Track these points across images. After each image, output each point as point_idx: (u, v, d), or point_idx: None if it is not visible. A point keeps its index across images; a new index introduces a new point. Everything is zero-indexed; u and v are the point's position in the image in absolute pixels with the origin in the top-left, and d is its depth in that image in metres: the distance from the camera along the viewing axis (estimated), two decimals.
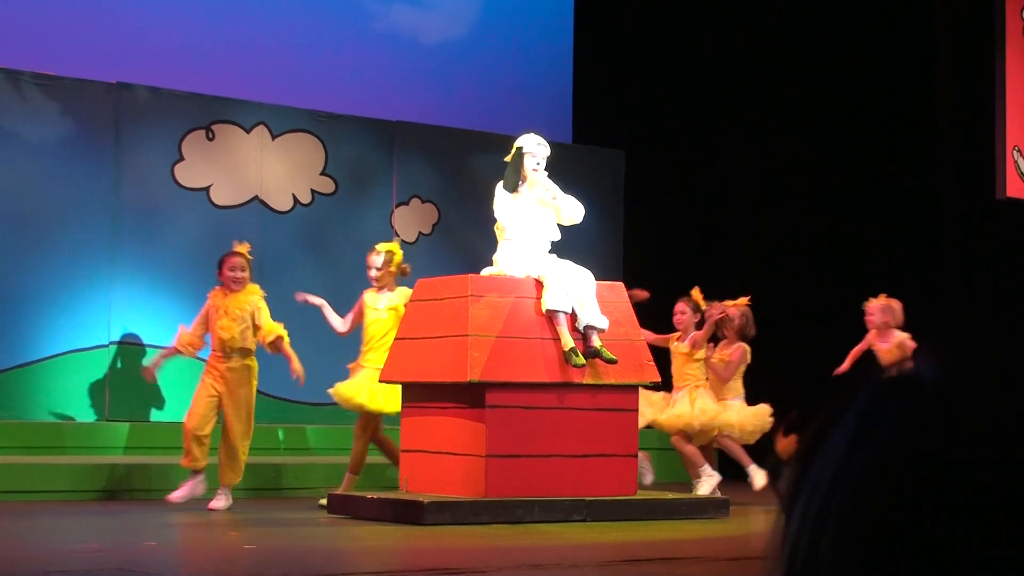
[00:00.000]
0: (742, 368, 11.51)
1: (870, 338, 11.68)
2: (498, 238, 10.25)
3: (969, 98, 14.62)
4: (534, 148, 10.23)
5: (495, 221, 10.27)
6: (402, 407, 10.16)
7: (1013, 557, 0.84)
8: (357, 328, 10.60)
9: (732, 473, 12.37)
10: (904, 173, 14.50)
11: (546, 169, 10.22)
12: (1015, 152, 14.77)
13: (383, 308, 10.49)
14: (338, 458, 12.22)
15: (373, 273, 10.56)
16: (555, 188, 10.18)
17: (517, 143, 10.31)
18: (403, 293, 10.48)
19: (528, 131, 10.46)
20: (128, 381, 12.55)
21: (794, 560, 0.92)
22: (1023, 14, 15.00)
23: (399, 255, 10.62)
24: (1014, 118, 14.79)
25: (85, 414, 12.53)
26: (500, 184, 10.22)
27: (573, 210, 10.21)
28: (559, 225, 10.22)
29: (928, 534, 0.86)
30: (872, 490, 0.88)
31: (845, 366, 11.60)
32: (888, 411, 0.90)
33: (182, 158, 13.37)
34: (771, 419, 11.23)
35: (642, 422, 10.58)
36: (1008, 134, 14.72)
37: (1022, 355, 0.91)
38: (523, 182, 10.19)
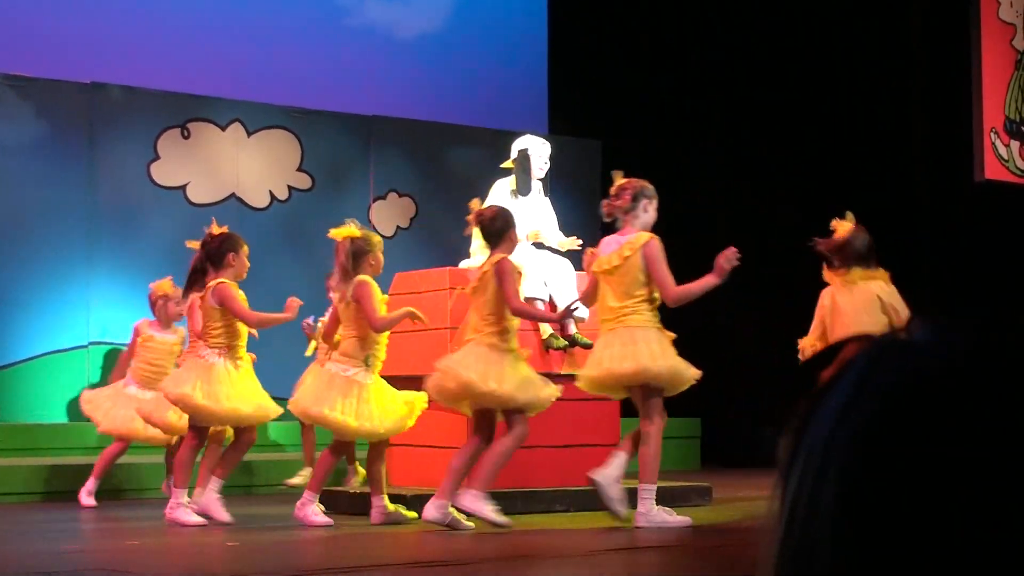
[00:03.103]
0: None
1: None
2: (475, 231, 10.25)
3: (945, 80, 14.64)
4: (539, 148, 10.30)
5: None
6: None
7: (1007, 519, 0.85)
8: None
9: (714, 461, 12.43)
10: (882, 157, 14.51)
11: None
12: (992, 134, 14.78)
13: None
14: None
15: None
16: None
17: (519, 146, 10.29)
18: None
19: (504, 123, 10.50)
20: (108, 381, 12.52)
21: (792, 527, 0.92)
22: None
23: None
24: (991, 100, 14.81)
25: (65, 415, 12.49)
26: (501, 183, 10.22)
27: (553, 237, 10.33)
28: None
29: (923, 498, 0.86)
30: (866, 456, 0.88)
31: None
32: (881, 375, 0.91)
33: (158, 157, 13.34)
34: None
35: None
36: (985, 116, 14.74)
37: (1015, 323, 0.91)
38: (533, 178, 10.26)
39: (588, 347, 9.88)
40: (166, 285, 10.72)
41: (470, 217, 8.87)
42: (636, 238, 8.70)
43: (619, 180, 8.89)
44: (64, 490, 10.83)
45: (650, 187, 8.89)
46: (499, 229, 8.63)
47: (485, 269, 8.53)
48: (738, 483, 11.15)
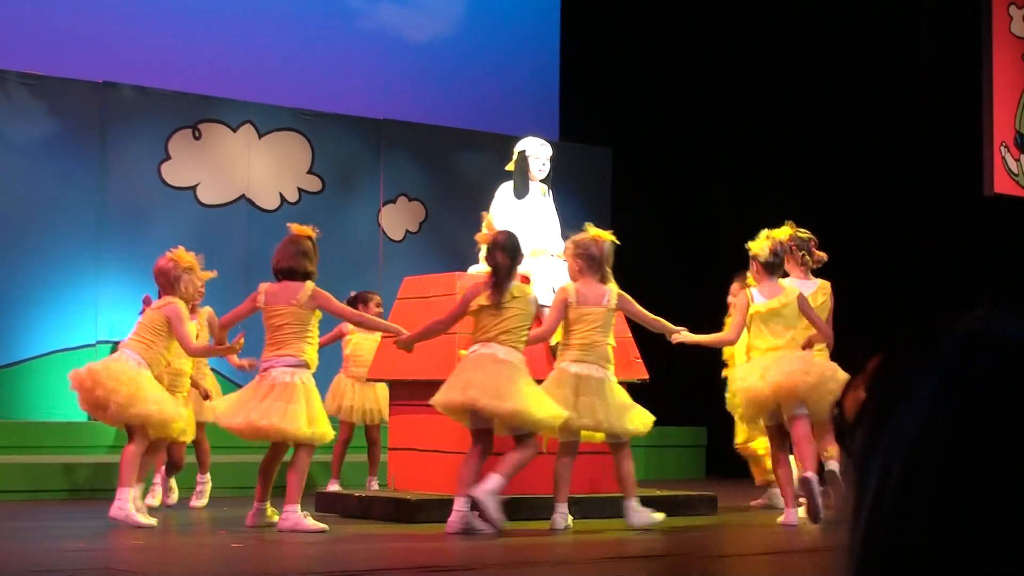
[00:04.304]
0: None
1: None
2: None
3: (956, 94, 14.62)
4: (537, 150, 10.24)
5: (485, 217, 10.27)
6: (390, 405, 10.20)
7: None
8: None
9: (719, 471, 12.40)
10: (891, 170, 14.49)
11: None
12: (1002, 148, 14.77)
13: None
14: (327, 456, 12.21)
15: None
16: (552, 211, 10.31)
17: (519, 148, 10.28)
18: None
19: (514, 128, 10.48)
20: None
21: (877, 516, 0.91)
22: (1009, 9, 15.01)
23: None
24: (1001, 113, 14.79)
25: (72, 413, 12.49)
26: (505, 186, 10.21)
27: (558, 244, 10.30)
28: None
29: None
30: (976, 448, 0.87)
31: None
32: (977, 369, 0.89)
33: (169, 157, 13.36)
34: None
35: None
36: (995, 130, 14.72)
37: None
38: (532, 180, 10.23)
39: None
40: (188, 255, 9.24)
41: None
42: (827, 284, 10.06)
43: (805, 233, 10.11)
44: (71, 488, 10.84)
45: None
46: (782, 261, 9.65)
47: (805, 294, 9.50)
48: (743, 492, 11.14)
